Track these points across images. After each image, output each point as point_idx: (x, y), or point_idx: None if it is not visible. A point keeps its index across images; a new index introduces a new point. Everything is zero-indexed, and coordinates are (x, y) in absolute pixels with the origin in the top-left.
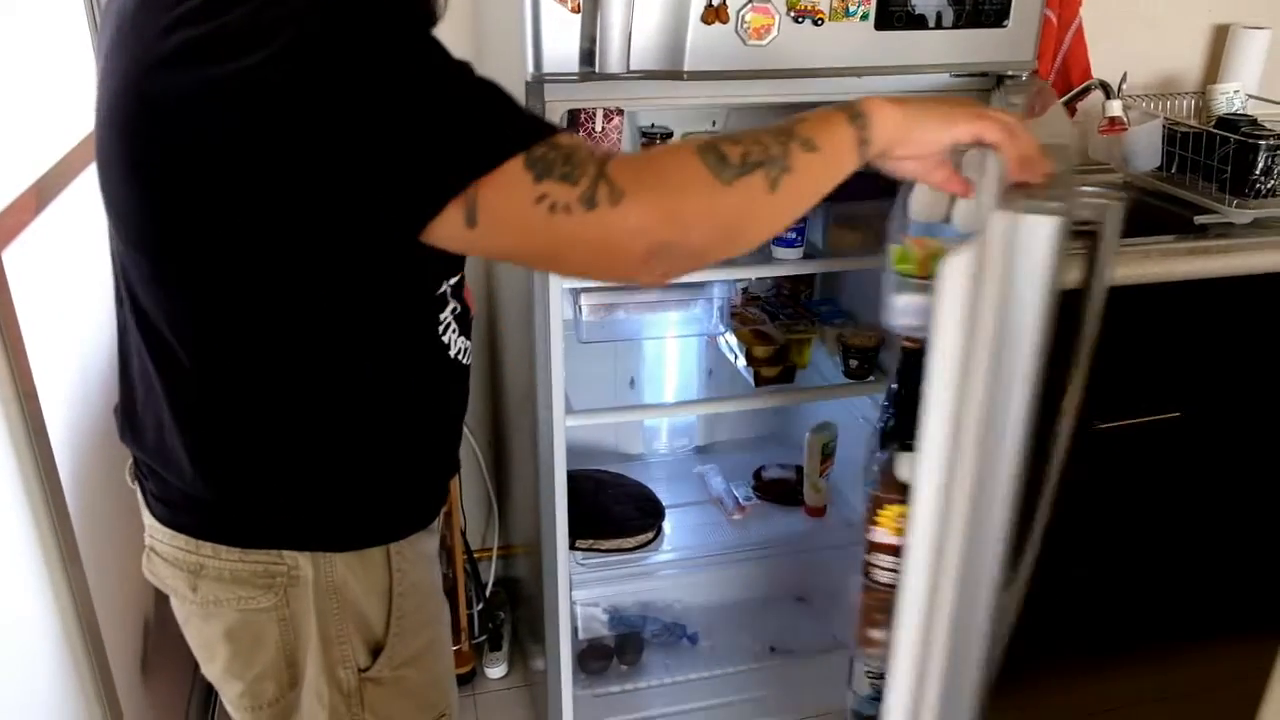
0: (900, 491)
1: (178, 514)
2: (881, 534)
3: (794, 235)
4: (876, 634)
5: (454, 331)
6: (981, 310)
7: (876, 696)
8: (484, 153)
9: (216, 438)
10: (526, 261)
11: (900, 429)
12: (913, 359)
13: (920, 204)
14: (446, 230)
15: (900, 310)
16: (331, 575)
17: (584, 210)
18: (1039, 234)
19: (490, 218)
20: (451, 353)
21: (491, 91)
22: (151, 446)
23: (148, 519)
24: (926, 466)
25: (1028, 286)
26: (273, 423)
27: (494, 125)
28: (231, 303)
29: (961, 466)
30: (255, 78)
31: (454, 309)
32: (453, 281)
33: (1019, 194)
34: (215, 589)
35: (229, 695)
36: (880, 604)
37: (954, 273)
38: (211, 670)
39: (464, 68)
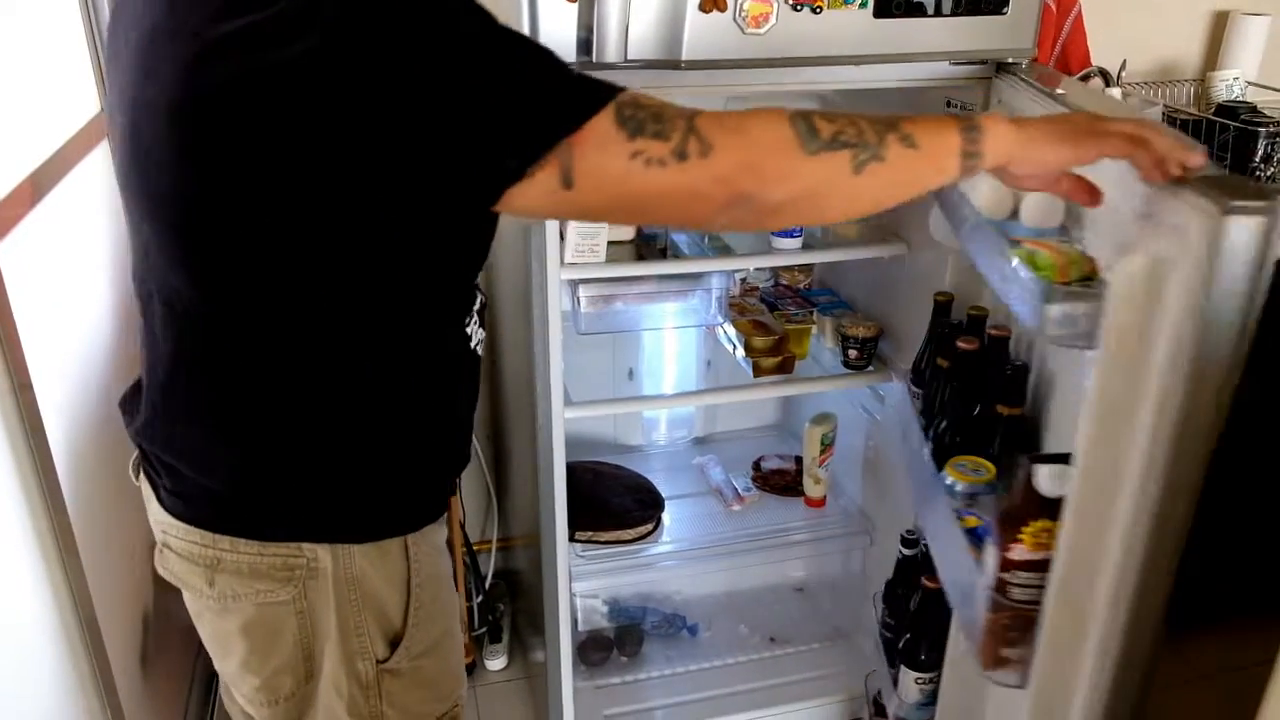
0: (1041, 505)
1: (194, 508)
2: (1021, 551)
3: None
4: (1010, 652)
5: (475, 323)
6: (1162, 318)
7: (927, 703)
8: (572, 110)
9: (242, 428)
10: (606, 217)
11: (958, 435)
12: (966, 360)
13: (988, 202)
14: (539, 193)
15: (1058, 320)
16: (350, 567)
17: (676, 163)
18: (1241, 235)
19: (587, 178)
20: (472, 344)
21: (554, 56)
22: (170, 439)
23: (159, 515)
24: (1086, 480)
25: (1227, 293)
26: (300, 413)
27: (572, 84)
28: (273, 294)
29: (1126, 478)
30: (323, 60)
31: (480, 300)
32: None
33: (1172, 191)
34: (233, 583)
35: (244, 690)
36: (1016, 622)
37: (1128, 279)
38: (227, 665)
39: (523, 35)
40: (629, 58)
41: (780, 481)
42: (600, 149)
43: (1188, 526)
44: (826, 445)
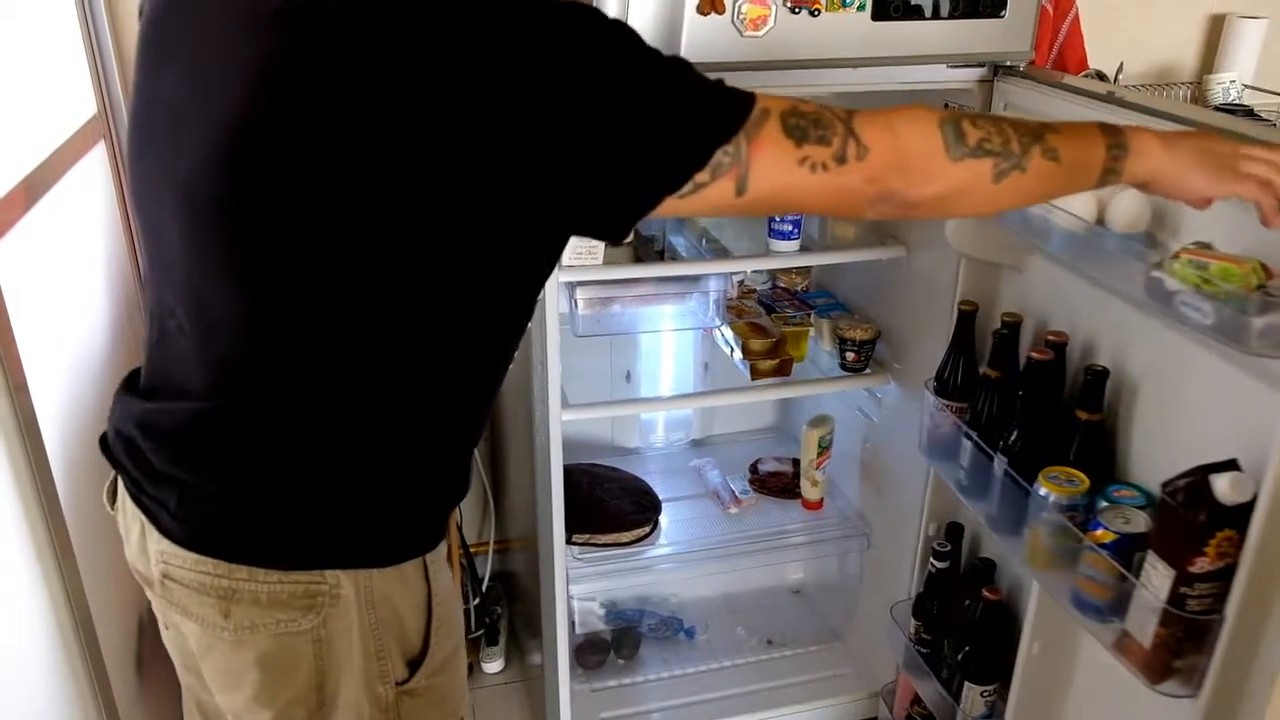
0: (1223, 514)
1: (208, 535)
2: (1204, 563)
3: (790, 228)
4: (1181, 663)
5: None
6: None
7: (989, 714)
8: (731, 119)
9: (273, 452)
10: (764, 210)
11: (1034, 446)
12: (1039, 370)
13: (1129, 219)
14: (714, 198)
15: (1263, 330)
16: (371, 591)
17: (836, 165)
18: None
19: (761, 183)
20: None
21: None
22: (183, 463)
23: (160, 545)
24: (1276, 486)
25: None
26: (335, 439)
27: (727, 95)
28: (327, 317)
29: None
30: (477, 79)
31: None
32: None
33: None
34: (251, 613)
35: None
36: (1190, 633)
37: None
38: (234, 699)
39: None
40: None
41: (778, 484)
42: (773, 158)
43: None
44: (824, 448)
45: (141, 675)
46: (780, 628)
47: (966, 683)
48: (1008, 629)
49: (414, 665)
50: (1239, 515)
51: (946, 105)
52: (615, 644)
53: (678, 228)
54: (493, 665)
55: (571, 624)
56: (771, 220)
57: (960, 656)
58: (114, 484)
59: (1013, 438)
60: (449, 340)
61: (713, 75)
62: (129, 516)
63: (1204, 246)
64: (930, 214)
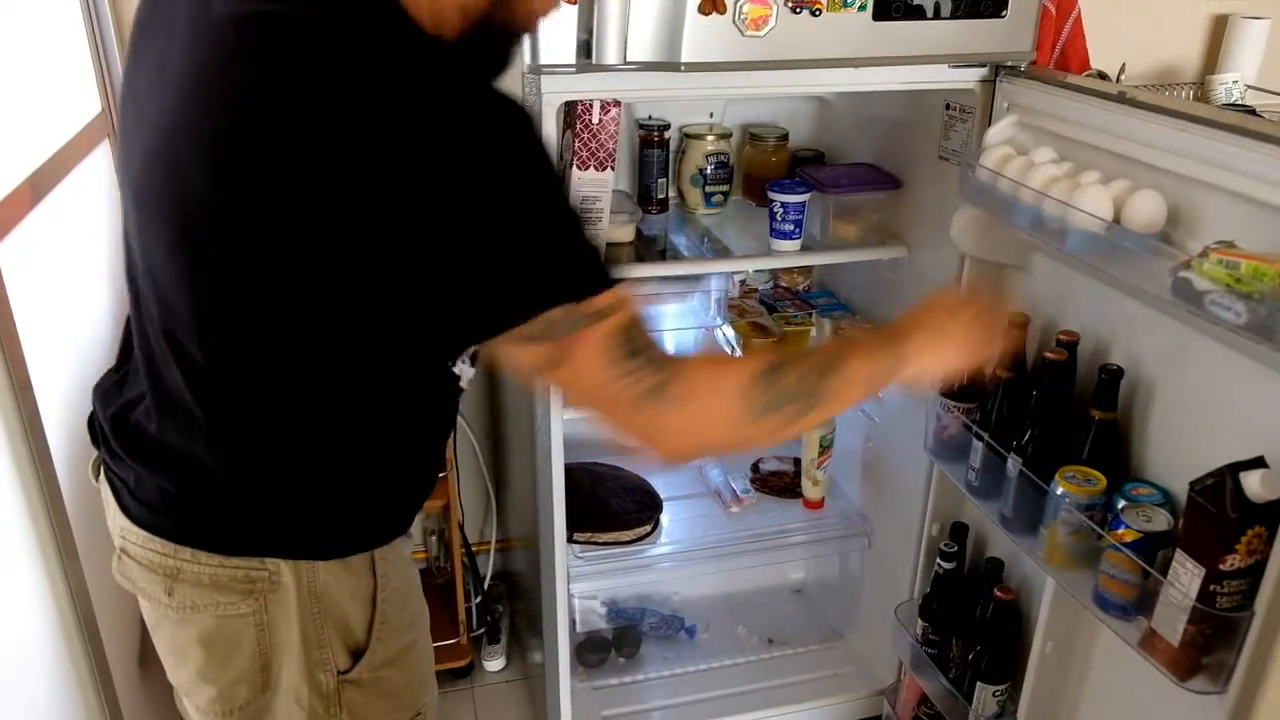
0: (1252, 512)
1: (157, 516)
2: (1236, 560)
3: (792, 227)
4: (1209, 660)
5: (465, 362)
6: None
7: (1001, 713)
8: (578, 287)
9: (219, 446)
10: (566, 395)
11: (1048, 445)
12: (1057, 370)
13: (1146, 218)
14: (530, 358)
15: None
16: (314, 581)
17: (632, 407)
18: None
19: (569, 371)
20: (461, 382)
21: (584, 234)
22: (142, 447)
23: (120, 521)
24: None
25: None
26: (281, 439)
27: (593, 272)
28: (273, 335)
29: None
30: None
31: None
32: None
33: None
34: (192, 594)
35: (199, 700)
36: (1219, 629)
37: None
38: (181, 675)
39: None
40: (629, 59)
41: (779, 483)
42: (588, 358)
43: None
44: (825, 447)
45: (144, 670)
46: (781, 627)
47: (979, 683)
48: (1018, 628)
49: (357, 656)
50: (1269, 512)
51: (948, 106)
52: (616, 642)
53: (680, 227)
54: (494, 663)
55: (573, 622)
56: (773, 219)
57: (971, 656)
58: (99, 458)
59: (1026, 437)
60: (372, 366)
61: (708, 88)
62: (106, 490)
63: (1228, 245)
64: (728, 453)
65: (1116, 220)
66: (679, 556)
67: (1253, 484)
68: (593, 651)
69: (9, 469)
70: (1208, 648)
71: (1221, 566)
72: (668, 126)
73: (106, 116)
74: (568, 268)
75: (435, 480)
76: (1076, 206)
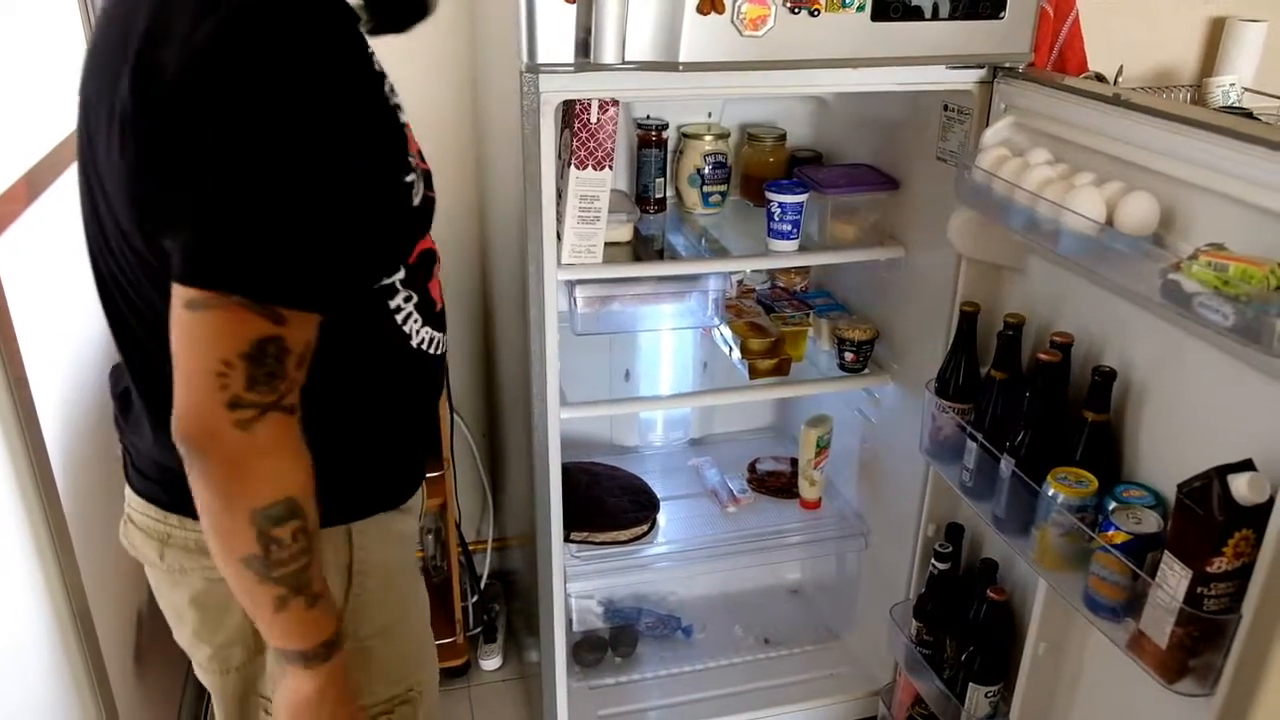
0: (1240, 515)
1: (150, 485)
2: (1221, 563)
3: (789, 228)
4: (1196, 662)
5: (415, 321)
6: None
7: (993, 714)
8: (276, 289)
9: (160, 415)
10: (174, 360)
11: (1041, 447)
12: (1049, 372)
13: (1138, 221)
14: (178, 293)
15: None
16: None
17: (219, 406)
18: None
19: (202, 333)
20: (414, 342)
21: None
22: (132, 418)
23: (126, 489)
24: None
25: None
26: None
27: (298, 266)
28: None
29: None
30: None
31: (409, 297)
32: (399, 276)
33: None
34: (181, 558)
35: (198, 659)
36: (1206, 632)
37: None
38: (182, 635)
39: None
40: (627, 59)
41: (776, 483)
42: (221, 329)
43: None
44: (822, 447)
45: (139, 667)
46: (777, 627)
47: (971, 684)
48: (1011, 629)
49: None
50: (1256, 515)
51: (946, 107)
52: (613, 642)
53: (677, 226)
54: (491, 662)
55: (569, 622)
56: (770, 219)
57: (964, 657)
58: None
59: (1019, 438)
60: None
61: (706, 88)
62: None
63: (1218, 248)
64: (204, 476)
65: (1109, 222)
66: (676, 556)
67: (1240, 487)
68: (589, 651)
69: (5, 466)
70: (1195, 650)
71: (1208, 569)
72: (666, 126)
73: None
74: (269, 255)
75: (417, 458)
76: (1069, 208)
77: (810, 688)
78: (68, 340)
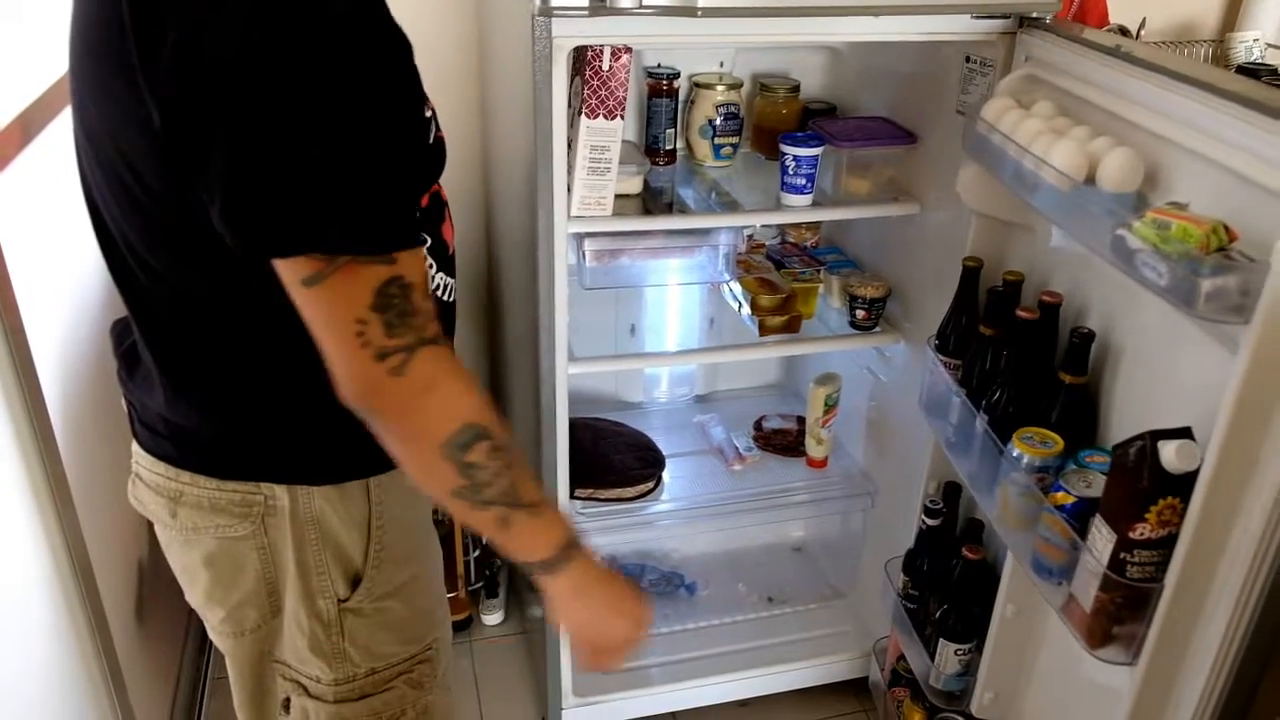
0: (1166, 482)
1: (160, 442)
2: (1145, 529)
3: (804, 182)
4: (1120, 630)
5: (431, 266)
6: None
7: (964, 672)
8: (366, 238)
9: (194, 368)
10: (309, 322)
11: (1015, 406)
12: (1029, 330)
13: (1071, 164)
14: (288, 270)
15: (1211, 293)
16: (310, 506)
17: (371, 358)
18: None
19: (322, 297)
20: (439, 292)
21: (405, 170)
22: (140, 375)
23: (133, 446)
24: (1224, 456)
25: None
26: (248, 355)
27: (389, 207)
28: (197, 237)
29: (1269, 455)
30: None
31: (425, 242)
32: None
33: None
34: (193, 516)
35: (211, 621)
36: (1130, 599)
37: None
38: (194, 596)
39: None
40: (644, 3)
41: (782, 441)
42: (346, 290)
43: None
44: (830, 406)
45: (141, 624)
46: (781, 585)
47: (941, 639)
48: (988, 589)
49: (356, 584)
50: (1185, 484)
51: (968, 59)
52: None
53: (687, 180)
54: (493, 618)
55: None
56: (784, 173)
57: (939, 614)
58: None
59: (996, 396)
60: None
61: (723, 34)
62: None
63: (1178, 207)
64: (385, 430)
65: (1091, 178)
66: (680, 514)
67: (1168, 454)
68: None
69: (3, 417)
70: (1119, 617)
71: (1131, 534)
72: (677, 75)
73: None
74: (359, 209)
75: None
76: (1046, 161)
77: (813, 646)
78: (65, 287)
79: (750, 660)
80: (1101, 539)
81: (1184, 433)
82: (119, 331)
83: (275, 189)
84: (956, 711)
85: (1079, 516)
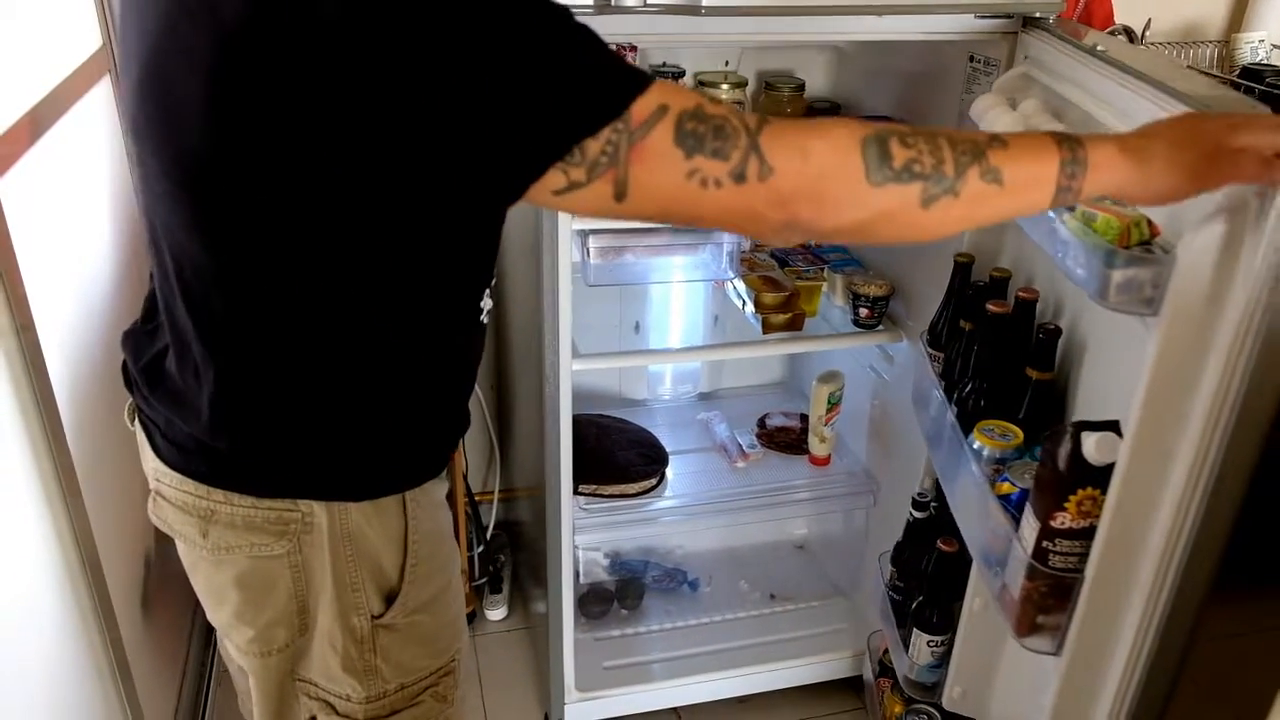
0: (1089, 473)
1: (190, 460)
2: (1065, 519)
3: None
4: (1046, 619)
5: (488, 294)
6: (1233, 284)
7: (938, 664)
8: (610, 103)
9: (243, 387)
10: (661, 221)
11: (983, 399)
12: (996, 324)
13: None
14: (593, 200)
15: (1122, 285)
16: (346, 523)
17: (733, 184)
18: None
19: (641, 193)
20: (483, 315)
21: (599, 41)
22: (169, 391)
23: (153, 463)
24: (1138, 449)
25: None
26: (300, 375)
27: (612, 79)
28: (283, 263)
29: (1181, 450)
30: (365, 17)
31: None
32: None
33: None
34: (227, 535)
35: (238, 641)
36: (1054, 589)
37: (1202, 249)
38: (220, 616)
39: (571, 20)
40: (648, 2)
41: (785, 439)
42: (655, 168)
43: (1242, 495)
44: (833, 404)
45: (148, 616)
46: (784, 582)
47: (915, 630)
48: (961, 582)
49: (390, 599)
50: (1103, 476)
51: (972, 58)
52: (619, 594)
53: None
54: (496, 613)
55: (576, 573)
56: None
57: (914, 605)
58: (133, 403)
59: (967, 390)
60: (394, 293)
61: (728, 34)
62: (140, 433)
63: (1117, 203)
64: (851, 240)
65: None
66: (683, 510)
67: (1089, 446)
68: (595, 603)
69: (12, 410)
70: (1044, 607)
71: (1053, 523)
72: (682, 74)
73: (107, 51)
74: (588, 83)
75: (465, 422)
76: None
77: (815, 643)
78: (74, 283)
79: (752, 657)
80: (1029, 528)
81: (1110, 426)
82: (134, 345)
83: (529, 93)
84: (930, 704)
85: (1019, 507)
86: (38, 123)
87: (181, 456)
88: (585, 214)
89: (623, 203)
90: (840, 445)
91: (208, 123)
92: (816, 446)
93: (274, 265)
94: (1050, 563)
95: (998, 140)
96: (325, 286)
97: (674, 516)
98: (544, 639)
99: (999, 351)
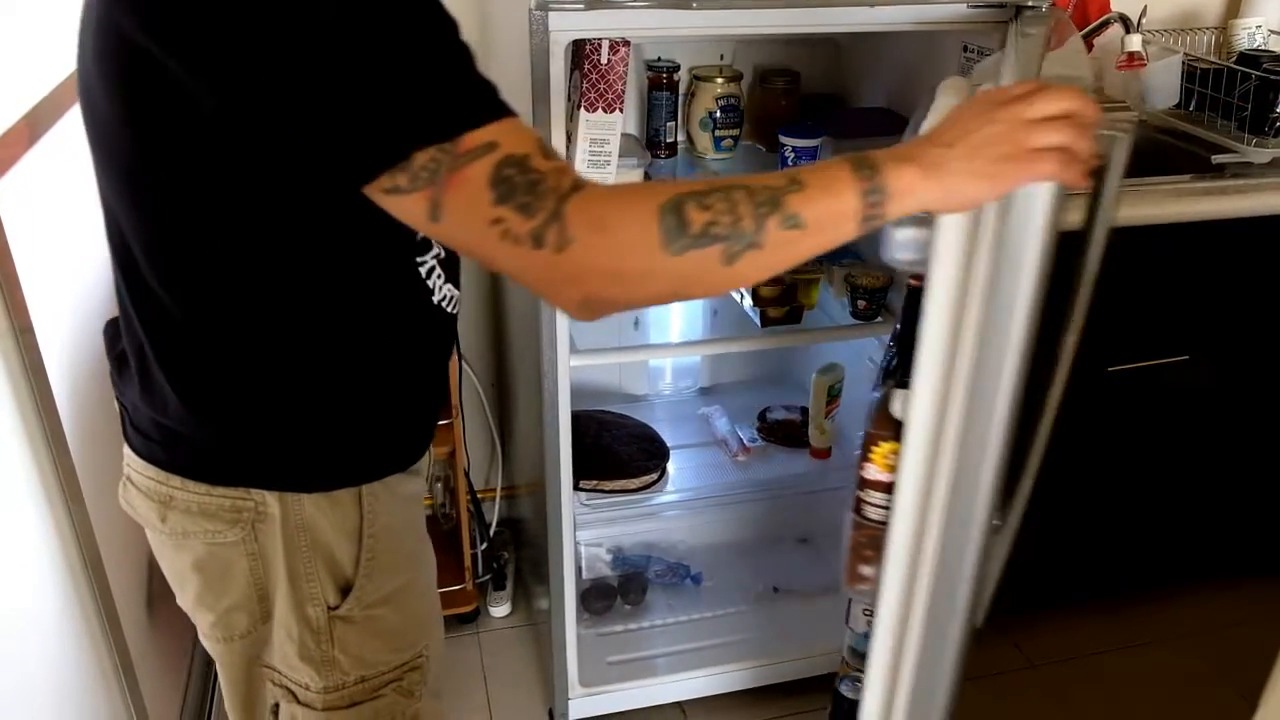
0: (894, 428)
1: (151, 446)
2: (873, 471)
3: None
4: (867, 570)
5: (439, 277)
6: (979, 246)
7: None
8: (445, 124)
9: (189, 372)
10: (473, 258)
11: (901, 367)
12: (916, 297)
13: None
14: (413, 213)
15: (900, 244)
16: (300, 514)
17: (530, 247)
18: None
19: (452, 221)
20: (435, 298)
21: (468, 64)
22: (131, 377)
23: (125, 449)
24: (918, 403)
25: (1027, 222)
26: (243, 361)
27: (467, 98)
28: (205, 235)
29: (953, 404)
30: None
31: (438, 254)
32: None
33: None
34: (183, 521)
35: (202, 626)
36: (871, 541)
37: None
38: (184, 600)
39: (451, 27)
40: None
41: (785, 432)
42: (465, 200)
43: (1010, 442)
44: (833, 396)
45: (152, 614)
46: (786, 575)
47: (851, 600)
48: None
49: (346, 592)
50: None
51: (965, 48)
52: (622, 589)
53: (688, 172)
54: (500, 609)
55: (578, 569)
56: (784, 165)
57: None
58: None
59: (893, 363)
60: (314, 273)
61: (720, 27)
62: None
63: None
64: (659, 303)
65: None
66: (685, 505)
67: (896, 400)
68: (598, 598)
69: (12, 412)
70: (864, 557)
71: (863, 474)
72: (677, 68)
73: None
74: (431, 100)
75: (429, 420)
76: None
77: (819, 635)
78: (72, 284)
79: (756, 650)
80: (854, 481)
81: None
82: (111, 334)
83: (345, 121)
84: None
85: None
86: (35, 125)
87: (144, 442)
88: (411, 225)
89: (437, 224)
90: (841, 437)
91: (121, 124)
92: (817, 439)
93: (202, 254)
94: (866, 513)
95: (795, 184)
96: (248, 273)
97: (676, 511)
98: (547, 635)
99: (912, 322)
